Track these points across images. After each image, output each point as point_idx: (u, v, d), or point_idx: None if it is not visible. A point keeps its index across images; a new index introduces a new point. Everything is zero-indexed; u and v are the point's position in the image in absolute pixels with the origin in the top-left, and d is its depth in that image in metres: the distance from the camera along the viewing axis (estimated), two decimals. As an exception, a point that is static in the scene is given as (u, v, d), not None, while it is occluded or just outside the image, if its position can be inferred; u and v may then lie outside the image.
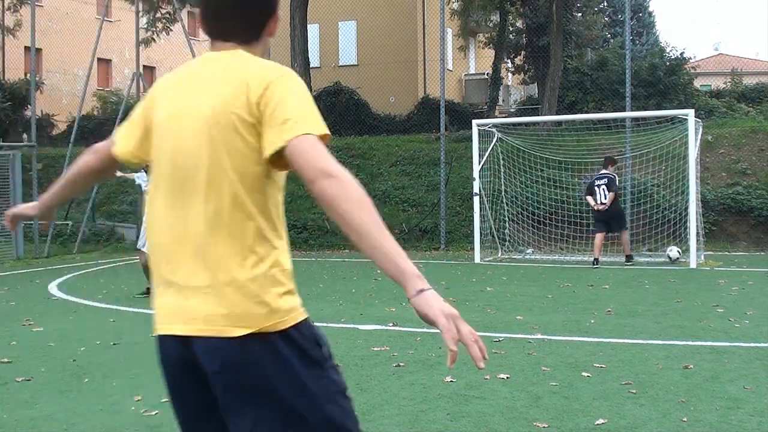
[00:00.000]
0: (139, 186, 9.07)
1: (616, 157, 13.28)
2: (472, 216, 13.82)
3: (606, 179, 12.31)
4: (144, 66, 21.90)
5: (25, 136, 23.09)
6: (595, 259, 11.99)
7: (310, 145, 1.69)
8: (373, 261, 1.73)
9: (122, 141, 2.02)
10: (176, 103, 1.88)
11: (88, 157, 2.14)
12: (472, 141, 13.77)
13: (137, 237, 9.19)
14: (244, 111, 1.76)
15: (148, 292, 8.75)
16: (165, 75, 2.05)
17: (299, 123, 1.71)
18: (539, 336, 6.31)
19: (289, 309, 1.88)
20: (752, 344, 5.94)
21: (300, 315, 1.93)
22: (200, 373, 1.79)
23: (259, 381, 1.75)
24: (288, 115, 1.72)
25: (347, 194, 1.67)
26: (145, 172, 8.75)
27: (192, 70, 1.96)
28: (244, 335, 1.74)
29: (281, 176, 1.89)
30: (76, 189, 2.24)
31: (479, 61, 30.99)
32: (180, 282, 1.79)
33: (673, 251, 12.31)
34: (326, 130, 1.75)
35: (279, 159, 1.74)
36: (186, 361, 1.80)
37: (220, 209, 1.77)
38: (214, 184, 1.77)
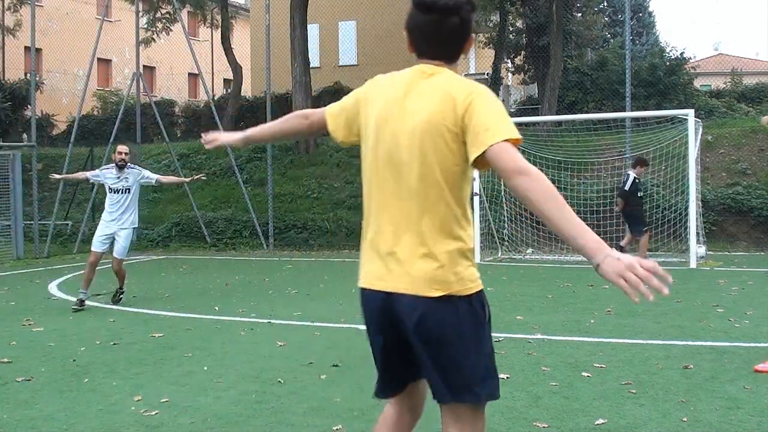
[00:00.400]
0: (105, 184, 8.74)
1: (644, 158, 12.64)
2: (472, 216, 13.81)
3: (622, 181, 12.07)
4: (144, 66, 21.93)
5: (25, 136, 23.11)
6: None
7: (506, 149, 2.16)
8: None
9: (334, 122, 2.53)
10: (392, 108, 2.33)
11: (299, 121, 2.69)
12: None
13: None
14: (450, 123, 2.23)
15: (118, 294, 8.99)
16: (379, 76, 2.46)
17: (497, 131, 2.17)
18: (539, 336, 6.31)
19: (472, 280, 2.33)
20: (752, 344, 5.94)
21: (478, 286, 2.36)
22: (396, 321, 2.31)
23: (444, 332, 2.26)
24: (488, 125, 2.18)
25: (538, 188, 2.20)
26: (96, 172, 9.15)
27: (406, 80, 2.38)
28: (438, 296, 2.24)
29: (471, 174, 2.36)
30: (275, 139, 2.88)
31: (479, 61, 30.96)
32: (396, 252, 2.28)
33: (701, 250, 12.17)
34: (518, 135, 2.20)
35: (480, 160, 2.19)
36: (386, 311, 2.33)
37: (429, 199, 2.26)
38: (424, 179, 2.26)
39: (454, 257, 2.27)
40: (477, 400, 2.33)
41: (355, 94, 2.51)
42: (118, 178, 8.70)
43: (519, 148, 2.27)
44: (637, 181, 11.89)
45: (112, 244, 8.78)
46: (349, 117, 2.48)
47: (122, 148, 8.84)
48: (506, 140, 2.17)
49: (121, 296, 8.96)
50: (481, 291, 2.36)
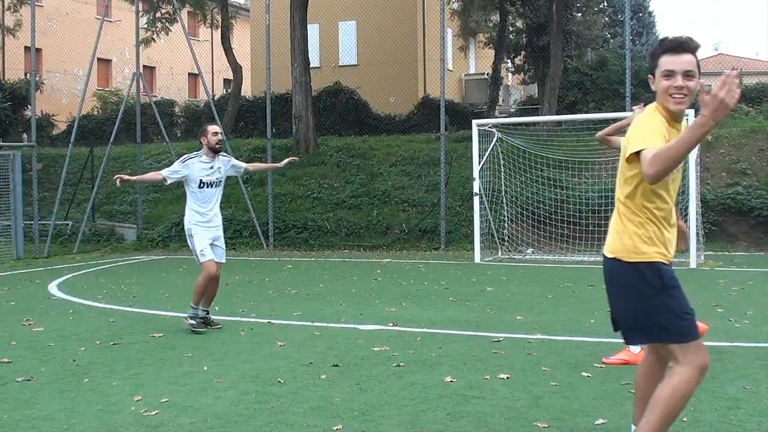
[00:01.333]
0: (188, 180, 6.92)
1: None
2: (472, 216, 13.83)
3: None
4: (144, 66, 21.94)
5: (25, 136, 23.12)
6: None
7: (640, 156, 2.95)
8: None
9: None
10: None
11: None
12: (472, 141, 13.77)
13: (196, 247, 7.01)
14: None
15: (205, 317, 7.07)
16: None
17: (631, 143, 3.03)
18: (539, 336, 6.30)
19: (639, 253, 3.21)
20: (752, 344, 5.94)
21: (645, 258, 3.23)
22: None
23: (615, 286, 3.33)
24: (630, 137, 3.08)
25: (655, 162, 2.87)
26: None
27: None
28: (611, 257, 3.28)
29: (636, 177, 3.19)
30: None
31: (479, 61, 30.99)
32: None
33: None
34: (642, 146, 2.95)
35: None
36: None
37: (619, 196, 3.31)
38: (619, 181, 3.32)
39: (631, 234, 3.29)
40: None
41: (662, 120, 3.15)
42: (212, 168, 6.98)
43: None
44: None
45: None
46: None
47: (215, 127, 7.18)
48: (639, 150, 2.97)
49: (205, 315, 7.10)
50: (648, 264, 3.29)
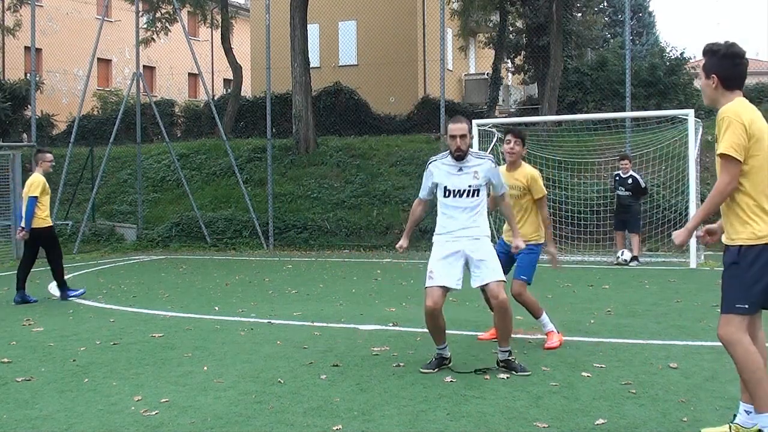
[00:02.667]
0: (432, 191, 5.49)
1: (622, 153, 13.49)
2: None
3: (632, 181, 12.72)
4: (144, 66, 21.94)
5: (25, 136, 23.11)
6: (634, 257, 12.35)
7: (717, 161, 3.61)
8: None
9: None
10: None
11: None
12: (472, 141, 13.75)
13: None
14: None
15: None
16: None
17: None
18: (539, 336, 6.30)
19: (738, 237, 3.58)
20: (752, 344, 5.93)
21: (743, 241, 3.56)
22: None
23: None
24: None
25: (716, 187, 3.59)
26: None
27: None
28: (732, 245, 3.62)
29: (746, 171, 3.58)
30: None
31: (479, 61, 30.98)
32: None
33: (627, 254, 12.35)
34: (724, 150, 3.54)
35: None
36: None
37: None
38: None
39: (741, 221, 3.62)
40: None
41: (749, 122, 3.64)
42: (460, 170, 5.31)
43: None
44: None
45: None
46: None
47: (460, 126, 5.27)
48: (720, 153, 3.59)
49: None
50: (744, 246, 3.57)
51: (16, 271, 9.35)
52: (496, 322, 5.22)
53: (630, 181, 12.50)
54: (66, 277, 9.56)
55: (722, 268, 3.69)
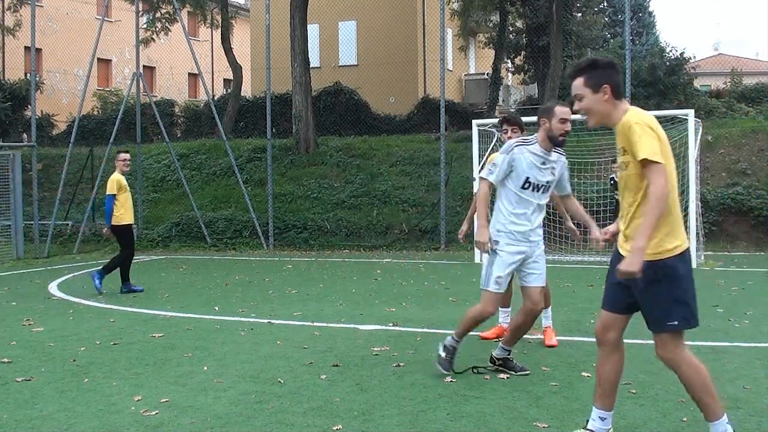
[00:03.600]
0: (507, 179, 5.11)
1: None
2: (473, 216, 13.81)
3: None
4: (144, 66, 21.95)
5: (25, 136, 23.12)
6: None
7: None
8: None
9: None
10: None
11: None
12: (472, 141, 13.76)
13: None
14: None
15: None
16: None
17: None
18: (539, 336, 6.30)
19: (664, 250, 3.35)
20: (752, 344, 5.94)
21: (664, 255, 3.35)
22: None
23: None
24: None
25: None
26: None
27: None
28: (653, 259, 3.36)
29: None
30: None
31: (479, 61, 30.98)
32: None
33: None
34: (650, 156, 3.26)
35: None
36: None
37: None
38: None
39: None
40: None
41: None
42: (544, 163, 5.00)
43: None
44: None
45: None
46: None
47: (566, 110, 4.90)
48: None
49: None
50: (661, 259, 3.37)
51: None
52: (519, 324, 5.04)
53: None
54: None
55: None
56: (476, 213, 5.05)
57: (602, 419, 3.60)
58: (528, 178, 4.93)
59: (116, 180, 9.67)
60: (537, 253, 5.04)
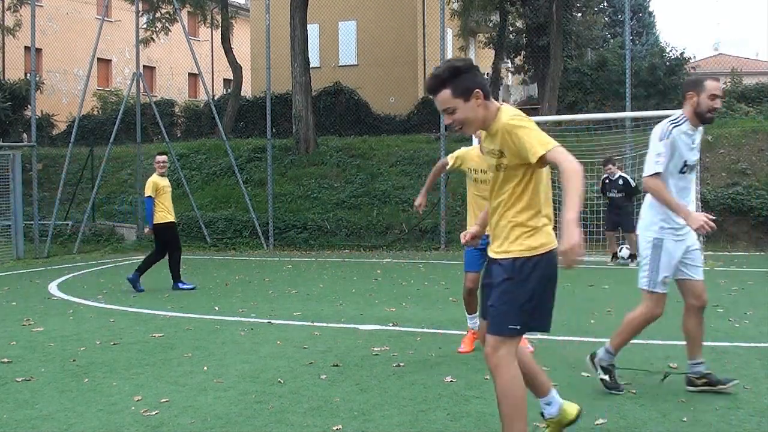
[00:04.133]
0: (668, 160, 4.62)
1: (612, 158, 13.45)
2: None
3: (623, 182, 12.71)
4: (144, 66, 21.94)
5: (25, 136, 23.12)
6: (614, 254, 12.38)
7: None
8: None
9: None
10: None
11: None
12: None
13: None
14: None
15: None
16: None
17: None
18: (539, 336, 6.30)
19: (515, 249, 3.22)
20: (752, 344, 5.94)
21: (519, 253, 3.21)
22: None
23: None
24: None
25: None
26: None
27: None
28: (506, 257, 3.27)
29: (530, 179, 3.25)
30: None
31: (479, 61, 30.96)
32: None
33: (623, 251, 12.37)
34: (551, 145, 3.08)
35: None
36: None
37: None
38: None
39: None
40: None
41: None
42: (693, 143, 4.58)
43: None
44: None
45: None
46: None
47: (718, 85, 4.51)
48: None
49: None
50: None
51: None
52: (694, 327, 4.72)
53: (621, 182, 12.52)
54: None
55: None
56: (672, 210, 4.47)
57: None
58: (686, 161, 4.50)
59: (153, 182, 9.94)
60: (694, 240, 4.68)
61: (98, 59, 22.10)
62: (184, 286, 10.14)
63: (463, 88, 3.10)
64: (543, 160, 3.06)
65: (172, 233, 10.26)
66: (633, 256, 12.22)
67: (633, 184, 12.64)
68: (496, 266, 3.26)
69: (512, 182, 3.21)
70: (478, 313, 5.33)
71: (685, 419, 4.04)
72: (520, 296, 3.17)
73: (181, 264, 10.38)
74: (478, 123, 3.18)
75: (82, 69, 24.98)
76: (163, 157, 10.24)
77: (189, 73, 32.97)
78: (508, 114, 3.14)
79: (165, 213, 10.01)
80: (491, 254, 3.31)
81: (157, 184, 9.95)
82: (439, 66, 3.19)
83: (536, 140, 3.04)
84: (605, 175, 12.89)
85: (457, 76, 3.10)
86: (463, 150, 5.73)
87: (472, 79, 3.12)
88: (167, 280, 11.13)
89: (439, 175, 6.02)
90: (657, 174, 4.43)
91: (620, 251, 12.39)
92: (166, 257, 10.27)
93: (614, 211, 12.67)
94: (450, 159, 5.78)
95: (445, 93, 3.11)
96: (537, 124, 3.24)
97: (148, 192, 9.91)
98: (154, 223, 9.96)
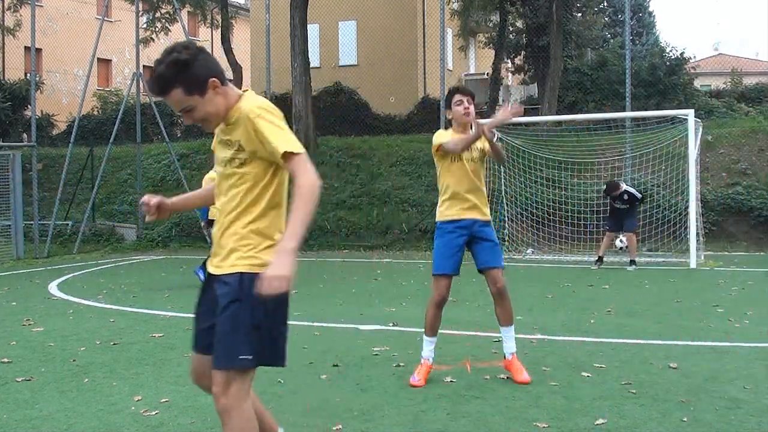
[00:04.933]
0: None
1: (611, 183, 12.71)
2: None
3: (629, 195, 12.11)
4: (144, 66, 21.89)
5: (25, 136, 23.11)
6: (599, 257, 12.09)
7: None
8: None
9: None
10: None
11: None
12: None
13: None
14: None
15: None
16: None
17: None
18: (539, 336, 6.30)
19: (242, 264, 2.70)
20: (752, 344, 5.94)
21: (248, 268, 2.68)
22: None
23: None
24: None
25: None
26: None
27: None
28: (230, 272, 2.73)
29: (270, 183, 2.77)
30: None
31: (479, 61, 30.99)
32: None
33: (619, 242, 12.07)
34: (296, 149, 2.58)
35: None
36: None
37: None
38: None
39: None
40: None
41: None
42: None
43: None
44: None
45: None
46: None
47: None
48: None
49: None
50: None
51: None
52: None
53: (626, 197, 11.97)
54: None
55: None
56: None
57: None
58: None
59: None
60: None
61: (98, 59, 22.08)
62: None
63: (196, 82, 2.65)
64: (286, 162, 2.59)
65: None
66: (633, 261, 12.07)
67: (639, 196, 12.17)
68: (220, 285, 2.69)
69: (248, 183, 2.71)
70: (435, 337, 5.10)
71: (685, 419, 4.04)
72: (251, 320, 2.62)
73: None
74: (218, 116, 2.75)
75: (82, 69, 24.97)
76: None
77: (189, 73, 32.93)
78: (253, 102, 2.69)
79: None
80: (212, 269, 2.78)
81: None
82: (160, 60, 2.64)
83: (282, 137, 2.60)
84: (605, 189, 12.43)
85: (186, 70, 2.62)
86: (440, 133, 5.08)
87: (205, 68, 2.66)
88: (167, 281, 11.14)
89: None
90: None
91: (619, 241, 12.08)
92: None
93: (616, 215, 12.16)
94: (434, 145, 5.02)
95: (177, 93, 2.66)
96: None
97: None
98: (212, 218, 10.16)
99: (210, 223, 10.33)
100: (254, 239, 2.68)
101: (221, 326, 2.63)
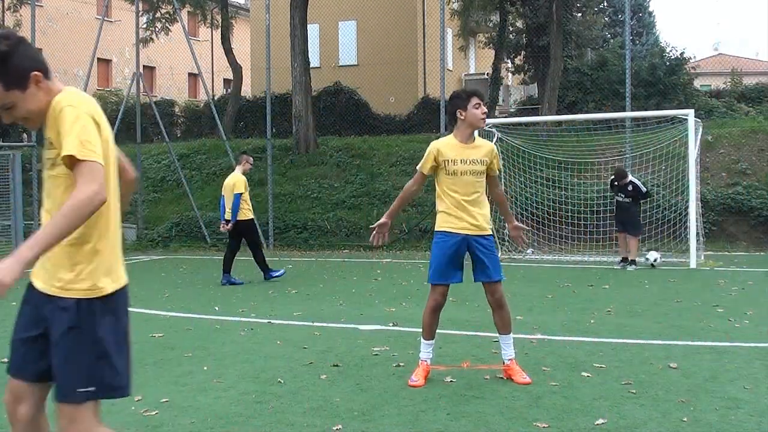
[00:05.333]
0: None
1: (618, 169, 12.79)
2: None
3: (632, 188, 12.05)
4: (144, 66, 21.93)
5: (25, 136, 23.09)
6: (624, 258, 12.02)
7: None
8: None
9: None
10: None
11: None
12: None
13: None
14: None
15: None
16: None
17: None
18: (539, 336, 6.30)
19: (79, 288, 2.57)
20: (752, 344, 5.94)
21: (84, 293, 2.56)
22: None
23: None
24: None
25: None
26: None
27: None
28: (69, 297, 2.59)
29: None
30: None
31: (479, 61, 30.99)
32: None
33: (651, 255, 11.98)
34: (89, 156, 2.28)
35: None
36: None
37: None
38: None
39: None
40: None
41: None
42: None
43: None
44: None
45: None
46: None
47: None
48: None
49: None
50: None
51: (222, 257, 10.79)
52: None
53: (630, 188, 11.93)
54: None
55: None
56: None
57: None
58: None
59: (243, 180, 10.57)
60: None
61: (98, 59, 22.08)
62: (276, 274, 10.83)
63: (15, 75, 2.32)
64: (72, 165, 2.28)
65: (255, 229, 10.99)
66: (633, 261, 12.05)
67: (644, 189, 12.08)
68: (53, 309, 2.56)
69: (60, 187, 2.42)
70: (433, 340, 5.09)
71: (685, 419, 4.04)
72: (93, 350, 2.50)
73: (234, 259, 10.79)
74: (40, 112, 2.39)
75: (82, 69, 24.97)
76: (253, 159, 11.16)
77: (189, 73, 32.97)
78: (68, 96, 2.38)
79: (248, 210, 10.57)
80: (37, 283, 2.61)
81: (246, 182, 10.57)
82: None
83: (77, 136, 2.28)
84: (612, 177, 12.41)
85: (5, 63, 2.30)
86: (435, 144, 5.15)
87: (26, 60, 2.35)
88: (167, 281, 11.15)
89: (410, 199, 5.33)
90: None
91: (644, 259, 11.91)
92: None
93: (620, 213, 12.14)
94: (426, 163, 5.14)
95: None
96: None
97: (239, 189, 10.40)
98: (242, 218, 10.43)
99: (227, 222, 10.57)
100: (81, 258, 2.50)
101: (57, 355, 2.51)
